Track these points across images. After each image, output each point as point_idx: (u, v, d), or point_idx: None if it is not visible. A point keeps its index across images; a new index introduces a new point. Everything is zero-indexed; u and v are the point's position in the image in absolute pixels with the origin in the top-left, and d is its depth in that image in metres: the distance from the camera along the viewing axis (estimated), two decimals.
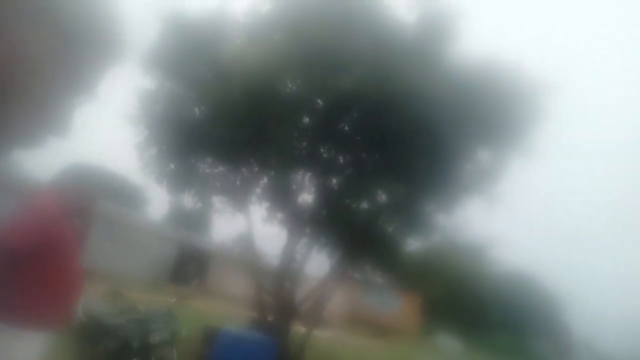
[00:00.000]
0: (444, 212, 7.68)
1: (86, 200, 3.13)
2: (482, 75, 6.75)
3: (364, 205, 7.95)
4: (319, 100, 7.66)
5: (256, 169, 8.48)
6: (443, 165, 6.95)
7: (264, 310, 8.07)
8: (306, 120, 7.95)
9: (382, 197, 7.86)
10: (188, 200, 8.70)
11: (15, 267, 2.58)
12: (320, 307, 8.45)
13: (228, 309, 13.79)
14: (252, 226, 8.40)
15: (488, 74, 6.77)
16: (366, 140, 7.62)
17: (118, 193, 18.53)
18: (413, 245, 8.71)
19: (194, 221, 22.23)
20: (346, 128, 7.96)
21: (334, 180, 8.29)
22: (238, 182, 8.47)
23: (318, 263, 8.61)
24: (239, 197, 8.43)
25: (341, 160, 8.26)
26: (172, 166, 8.12)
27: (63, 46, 0.80)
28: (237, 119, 7.16)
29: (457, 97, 6.47)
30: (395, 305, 24.90)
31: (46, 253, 2.72)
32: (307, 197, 8.42)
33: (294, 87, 7.46)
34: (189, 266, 19.20)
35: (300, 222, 8.05)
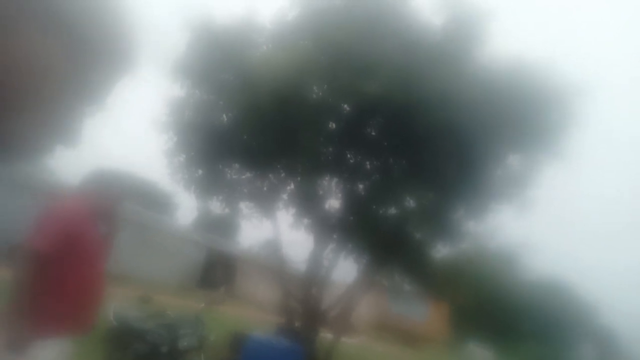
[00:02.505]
0: (474, 218, 7.51)
1: (113, 205, 3.12)
2: (512, 78, 6.59)
3: (392, 211, 7.85)
4: (345, 105, 7.63)
5: (283, 174, 8.50)
6: (472, 171, 6.80)
7: (291, 316, 8.05)
8: (332, 125, 7.93)
9: (410, 202, 7.75)
10: (216, 206, 8.79)
11: (39, 271, 2.57)
12: (347, 314, 8.38)
13: (255, 314, 13.85)
14: (279, 232, 8.42)
15: (518, 76, 6.60)
16: (393, 145, 7.54)
17: (147, 198, 18.92)
18: (442, 252, 8.55)
19: (222, 226, 22.47)
20: (373, 133, 7.90)
21: (361, 186, 8.23)
22: (265, 188, 8.50)
23: (345, 269, 8.56)
24: (265, 203, 8.46)
25: (368, 166, 8.19)
26: (200, 172, 8.23)
27: (74, 54, 0.78)
28: (264, 125, 7.20)
29: (486, 101, 6.33)
30: (424, 313, 24.50)
31: (71, 257, 2.71)
32: (334, 203, 8.38)
33: (320, 93, 7.45)
34: (217, 271, 19.40)
35: (327, 227, 8.02)
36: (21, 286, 2.54)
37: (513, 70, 6.54)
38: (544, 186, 7.23)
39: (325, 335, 8.46)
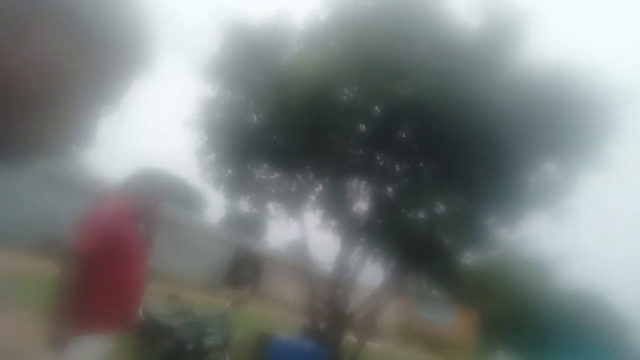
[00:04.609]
0: (506, 225, 7.29)
1: (154, 206, 3.17)
2: (551, 82, 6.36)
3: (421, 215, 7.72)
4: (376, 107, 7.55)
5: (311, 175, 8.48)
6: (505, 177, 6.61)
7: (317, 318, 8.02)
8: (362, 127, 7.86)
9: (440, 208, 7.60)
10: (244, 205, 8.85)
11: (82, 272, 2.64)
12: (373, 318, 8.29)
13: (281, 314, 13.89)
14: (307, 233, 8.40)
15: (557, 80, 6.37)
16: (424, 148, 7.41)
17: (178, 195, 19.27)
18: (471, 258, 8.35)
19: (250, 226, 22.66)
20: (403, 136, 7.79)
21: (390, 189, 8.12)
22: (293, 189, 8.50)
23: (372, 273, 8.47)
24: (293, 204, 8.46)
25: (397, 169, 8.08)
26: (230, 172, 8.30)
27: (90, 54, 0.76)
28: (294, 126, 7.20)
29: (522, 106, 6.14)
30: (450, 319, 24.05)
31: (113, 258, 2.77)
32: (362, 206, 8.31)
33: (351, 94, 7.40)
34: (244, 270, 19.57)
35: (355, 230, 7.95)
36: (64, 286, 2.61)
37: (552, 74, 6.32)
38: (582, 194, 6.96)
39: (350, 339, 8.39)
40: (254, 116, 7.97)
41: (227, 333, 4.94)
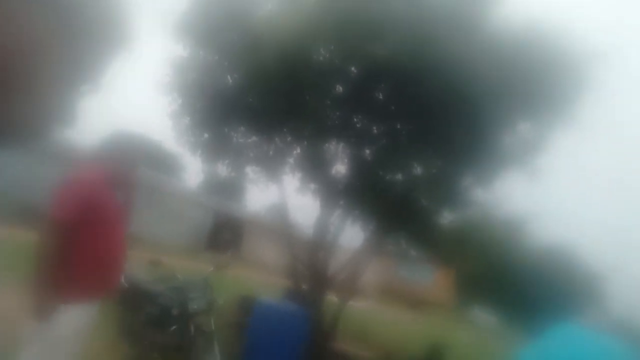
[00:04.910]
0: (482, 185, 7.41)
1: (130, 171, 3.11)
2: (526, 42, 6.33)
3: (399, 177, 7.77)
4: (352, 68, 7.44)
5: (289, 138, 8.41)
6: (481, 137, 6.66)
7: (298, 280, 8.14)
8: (339, 88, 7.77)
9: (417, 169, 7.65)
10: (222, 169, 8.77)
11: (61, 240, 2.60)
12: (354, 278, 8.46)
13: (263, 277, 14.07)
14: (286, 196, 8.40)
15: (532, 40, 6.34)
16: (401, 110, 7.37)
17: (156, 160, 18.99)
18: (449, 218, 8.51)
19: (229, 190, 22.59)
20: (380, 97, 7.72)
21: (367, 151, 8.13)
22: (271, 152, 8.44)
23: (352, 234, 8.58)
24: (272, 167, 8.42)
25: (375, 130, 8.05)
26: (206, 135, 8.16)
27: (66, 34, 0.69)
28: (270, 88, 7.06)
29: (498, 65, 6.11)
30: (430, 278, 24.79)
31: (91, 224, 2.73)
32: (340, 168, 8.32)
33: (327, 55, 7.25)
34: (224, 234, 19.64)
35: (334, 193, 7.98)
36: (44, 254, 2.58)
37: (527, 34, 6.28)
38: (556, 153, 7.08)
39: (332, 299, 8.57)
40: (229, 77, 7.78)
41: (210, 297, 4.97)
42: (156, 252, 6.60)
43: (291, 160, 8.61)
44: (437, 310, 22.48)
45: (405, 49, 6.18)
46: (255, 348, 5.46)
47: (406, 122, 7.49)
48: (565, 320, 1.55)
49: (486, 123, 6.46)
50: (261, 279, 13.68)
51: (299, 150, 8.50)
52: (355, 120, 7.93)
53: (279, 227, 8.70)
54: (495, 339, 17.35)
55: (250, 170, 8.72)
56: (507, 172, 7.17)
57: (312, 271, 8.05)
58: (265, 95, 7.24)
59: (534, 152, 6.97)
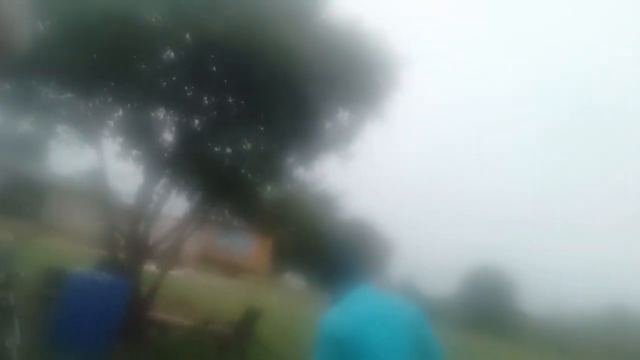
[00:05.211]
0: (303, 164, 8.09)
1: None
2: (347, 40, 7.07)
3: (228, 150, 7.96)
4: (187, 36, 7.27)
5: (110, 99, 7.82)
6: (306, 121, 7.26)
7: (115, 250, 7.75)
8: (171, 55, 7.52)
9: (246, 144, 7.95)
10: (26, 127, 7.72)
11: None
12: (175, 248, 8.41)
13: (74, 247, 12.80)
14: (104, 161, 7.84)
15: (352, 39, 7.12)
16: (233, 84, 7.52)
17: None
18: (271, 192, 9.06)
19: (29, 149, 19.63)
20: (214, 69, 7.73)
21: (197, 121, 8.09)
22: (89, 113, 7.73)
23: (176, 204, 8.49)
24: (88, 129, 7.73)
25: (206, 101, 8.05)
26: (8, 86, 7.06)
27: None
28: (91, 42, 6.46)
29: (323, 56, 6.72)
30: (249, 247, 25.70)
31: None
32: (167, 136, 8.10)
33: (161, 18, 6.94)
34: (21, 197, 17.12)
35: (159, 161, 7.76)
36: None
37: (349, 32, 7.02)
38: (366, 141, 8.14)
39: (151, 269, 8.41)
40: (39, 23, 6.82)
41: (10, 270, 4.50)
42: None
43: (111, 123, 8.04)
44: (255, 277, 23.55)
45: (240, 28, 6.32)
46: (67, 322, 5.14)
47: (237, 97, 7.68)
48: (362, 282, 1.90)
49: (310, 108, 7.06)
50: (73, 249, 12.44)
51: (121, 113, 7.98)
52: (186, 89, 7.78)
53: (96, 193, 8.10)
54: (304, 302, 19.09)
55: (62, 130, 7.86)
56: (326, 154, 7.99)
57: (130, 240, 7.75)
58: (84, 50, 6.59)
59: (350, 139, 7.90)
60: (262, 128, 7.48)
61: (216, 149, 7.81)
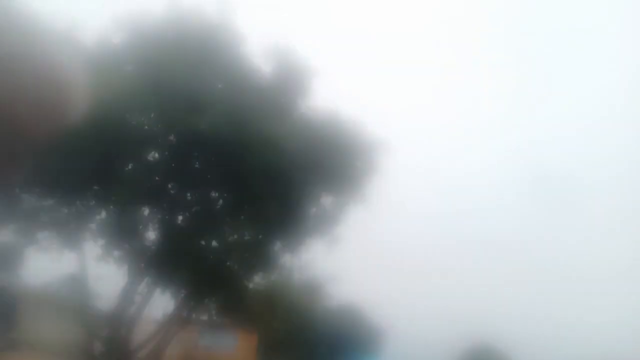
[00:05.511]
0: (290, 251, 8.08)
1: None
2: (328, 129, 7.46)
3: (213, 243, 7.92)
4: (171, 137, 7.53)
5: (93, 202, 7.83)
6: (291, 208, 7.38)
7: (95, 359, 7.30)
8: (155, 155, 7.72)
9: (231, 236, 7.94)
10: (6, 235, 7.55)
11: None
12: (159, 352, 7.97)
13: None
14: (85, 265, 7.63)
15: (333, 128, 7.51)
16: (217, 179, 7.69)
17: None
18: (258, 283, 8.89)
19: (3, 258, 18.90)
20: (197, 165, 7.93)
21: (180, 217, 8.10)
22: (70, 216, 7.67)
23: (159, 304, 8.19)
24: (70, 233, 7.62)
25: (189, 197, 8.13)
26: None
27: None
28: (78, 150, 6.60)
29: (305, 147, 7.03)
30: (233, 344, 24.41)
31: None
32: (149, 235, 8.03)
33: (146, 122, 7.22)
34: None
35: (143, 260, 7.62)
36: None
37: (329, 122, 7.43)
38: (351, 225, 8.24)
39: None
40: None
41: None
42: None
43: (93, 225, 7.96)
44: None
45: (223, 124, 6.62)
46: None
47: (222, 190, 7.82)
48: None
49: (295, 196, 7.23)
50: None
51: (103, 215, 7.95)
52: (169, 186, 7.89)
53: (73, 301, 7.77)
54: None
55: (42, 237, 7.72)
56: (312, 240, 8.02)
57: (112, 347, 7.34)
58: (70, 157, 6.71)
59: (334, 223, 8.00)
60: (247, 219, 7.54)
61: (202, 242, 7.76)
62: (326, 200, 8.00)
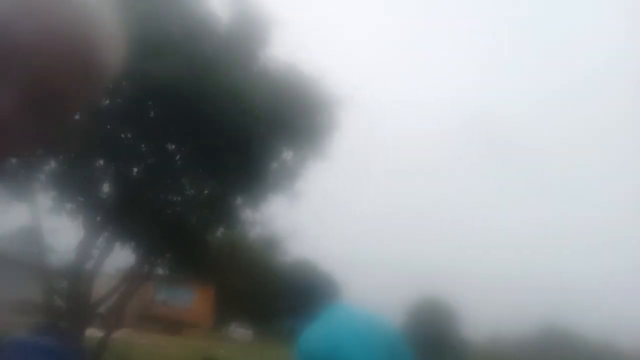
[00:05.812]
0: (251, 206, 8.02)
1: None
2: (289, 82, 7.29)
3: (171, 197, 7.74)
4: (123, 83, 7.13)
5: (40, 151, 7.41)
6: (252, 163, 7.27)
7: (54, 315, 7.11)
8: (106, 101, 7.31)
9: (190, 190, 7.78)
10: None
11: None
12: (120, 307, 7.88)
13: (5, 317, 11.48)
14: (38, 218, 7.31)
15: (294, 81, 7.34)
16: (174, 130, 7.42)
17: None
18: (217, 237, 8.85)
19: None
20: (152, 115, 7.59)
21: (135, 169, 7.83)
22: (17, 167, 7.24)
23: (118, 259, 8.03)
24: (18, 184, 7.23)
25: (144, 148, 7.83)
26: None
27: None
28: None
29: (266, 99, 6.86)
30: (189, 299, 24.53)
31: None
32: (105, 187, 7.74)
33: None
34: None
35: (98, 213, 7.37)
36: None
37: (290, 75, 7.25)
38: (310, 180, 8.26)
39: (94, 332, 7.78)
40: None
41: None
42: None
43: (43, 176, 7.57)
44: (197, 331, 22.35)
45: (182, 72, 6.32)
46: None
47: (180, 142, 7.57)
48: (339, 301, 1.84)
49: (256, 150, 7.11)
50: (3, 319, 11.14)
51: (53, 166, 7.56)
52: (123, 136, 7.55)
53: (30, 255, 7.48)
54: (253, 353, 18.36)
55: None
56: (273, 195, 7.99)
57: (71, 303, 7.17)
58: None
59: (294, 178, 7.98)
60: (207, 172, 7.38)
61: (160, 196, 7.56)
62: (287, 155, 7.95)
